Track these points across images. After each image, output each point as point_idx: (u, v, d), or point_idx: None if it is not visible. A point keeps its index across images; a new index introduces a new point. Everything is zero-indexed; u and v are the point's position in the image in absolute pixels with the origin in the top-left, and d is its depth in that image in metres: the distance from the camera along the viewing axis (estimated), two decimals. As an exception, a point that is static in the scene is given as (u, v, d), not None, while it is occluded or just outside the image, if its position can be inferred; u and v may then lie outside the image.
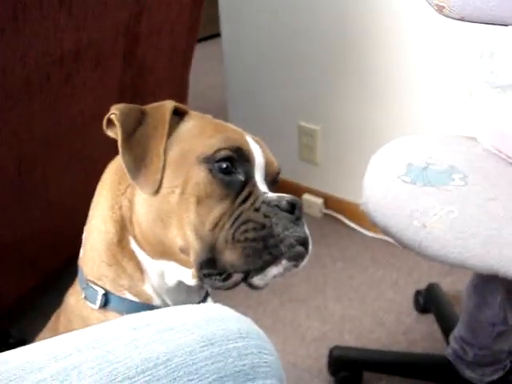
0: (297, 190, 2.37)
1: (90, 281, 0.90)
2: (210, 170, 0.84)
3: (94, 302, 0.89)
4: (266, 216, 0.82)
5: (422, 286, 1.91)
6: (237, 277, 0.83)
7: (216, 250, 0.82)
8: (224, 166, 0.84)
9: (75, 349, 0.54)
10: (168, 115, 0.87)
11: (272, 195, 0.85)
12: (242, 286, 0.86)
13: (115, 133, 0.85)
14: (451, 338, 1.53)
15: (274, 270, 0.83)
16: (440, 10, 1.41)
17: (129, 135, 0.84)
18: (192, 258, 0.84)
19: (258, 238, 0.81)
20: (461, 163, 1.26)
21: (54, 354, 0.53)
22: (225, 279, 0.84)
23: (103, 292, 0.88)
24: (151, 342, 0.56)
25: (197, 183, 0.83)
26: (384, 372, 1.67)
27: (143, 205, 0.85)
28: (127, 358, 0.54)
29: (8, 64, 1.35)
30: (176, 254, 0.85)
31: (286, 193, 0.87)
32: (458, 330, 1.50)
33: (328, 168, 2.33)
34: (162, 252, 0.87)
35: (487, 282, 1.40)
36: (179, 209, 0.83)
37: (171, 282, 0.89)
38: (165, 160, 0.84)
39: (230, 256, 0.81)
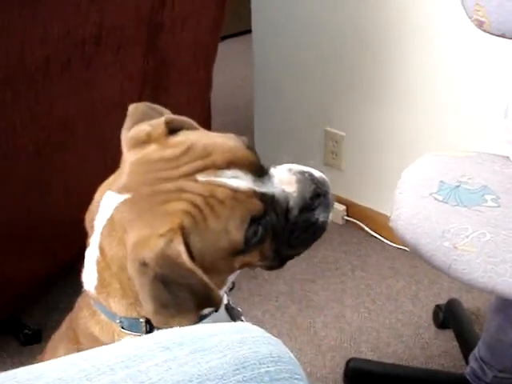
0: (319, 195, 2.34)
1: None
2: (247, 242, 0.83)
3: (137, 331, 0.84)
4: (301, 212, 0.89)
5: (442, 300, 1.89)
6: None
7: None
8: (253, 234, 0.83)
9: (108, 367, 0.53)
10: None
11: (278, 193, 0.88)
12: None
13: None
14: (471, 357, 1.51)
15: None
16: (480, 25, 1.39)
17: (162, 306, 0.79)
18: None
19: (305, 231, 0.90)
20: (493, 183, 1.24)
21: (86, 372, 0.53)
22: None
23: (145, 319, 0.84)
24: (184, 364, 0.55)
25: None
26: (400, 387, 1.66)
27: None
28: (160, 379, 0.53)
29: (27, 41, 1.32)
30: None
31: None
32: (479, 350, 1.48)
33: (352, 175, 2.31)
34: None
35: (511, 304, 1.38)
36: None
37: None
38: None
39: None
